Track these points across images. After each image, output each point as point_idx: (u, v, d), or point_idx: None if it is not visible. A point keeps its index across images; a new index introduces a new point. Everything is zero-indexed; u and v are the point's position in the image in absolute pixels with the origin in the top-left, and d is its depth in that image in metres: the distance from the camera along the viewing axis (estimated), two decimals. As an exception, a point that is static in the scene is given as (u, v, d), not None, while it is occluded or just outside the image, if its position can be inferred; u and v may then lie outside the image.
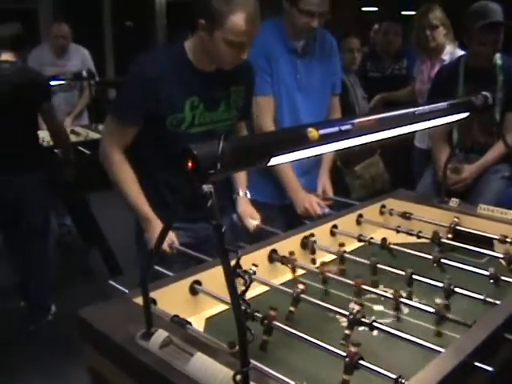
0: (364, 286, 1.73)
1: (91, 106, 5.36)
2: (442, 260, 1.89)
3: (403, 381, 1.21)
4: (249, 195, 2.45)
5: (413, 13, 4.22)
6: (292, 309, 1.63)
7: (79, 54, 5.33)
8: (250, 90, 2.38)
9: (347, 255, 1.99)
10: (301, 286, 1.65)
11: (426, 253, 1.96)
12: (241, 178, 2.45)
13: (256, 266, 1.77)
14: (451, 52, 3.86)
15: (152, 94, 2.09)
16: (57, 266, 4.08)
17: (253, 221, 2.33)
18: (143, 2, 9.81)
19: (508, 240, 2.09)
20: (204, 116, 2.19)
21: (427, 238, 2.16)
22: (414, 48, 4.19)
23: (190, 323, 1.54)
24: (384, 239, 2.06)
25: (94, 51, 5.66)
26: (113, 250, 4.51)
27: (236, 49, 2.04)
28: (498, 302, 1.59)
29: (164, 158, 2.17)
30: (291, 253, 1.97)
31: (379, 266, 1.86)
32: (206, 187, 1.16)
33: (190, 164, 1.16)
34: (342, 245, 2.02)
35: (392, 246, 2.05)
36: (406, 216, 2.36)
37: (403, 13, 7.98)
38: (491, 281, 1.77)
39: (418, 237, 2.18)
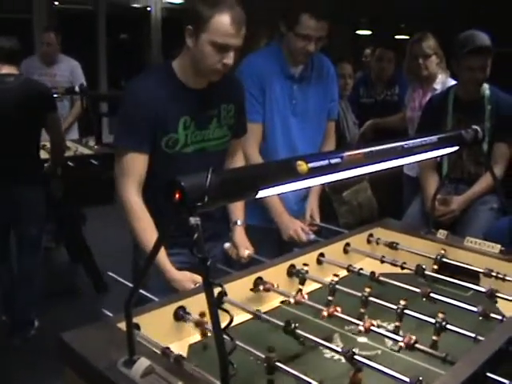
0: (343, 315, 1.72)
1: (82, 119, 5.36)
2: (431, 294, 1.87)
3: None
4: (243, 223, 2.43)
5: (406, 37, 4.25)
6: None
7: (69, 66, 5.38)
8: (241, 108, 2.38)
9: (337, 286, 1.94)
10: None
11: (412, 285, 1.94)
12: (238, 206, 2.42)
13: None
14: (443, 81, 3.89)
15: (150, 119, 2.11)
16: (42, 281, 4.05)
17: (246, 250, 2.31)
18: (139, 17, 9.85)
19: (493, 274, 2.07)
20: (195, 135, 2.21)
21: (411, 270, 2.14)
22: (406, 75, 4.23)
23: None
24: (373, 273, 2.03)
25: (88, 64, 5.67)
26: (104, 265, 4.44)
27: (221, 51, 2.04)
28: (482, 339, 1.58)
29: (162, 181, 2.15)
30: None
31: (370, 298, 1.82)
32: (193, 220, 1.16)
33: (177, 196, 1.16)
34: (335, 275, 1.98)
35: (381, 279, 2.02)
36: (392, 246, 2.35)
37: (397, 37, 8.07)
38: (480, 318, 1.76)
39: (402, 268, 2.16)
